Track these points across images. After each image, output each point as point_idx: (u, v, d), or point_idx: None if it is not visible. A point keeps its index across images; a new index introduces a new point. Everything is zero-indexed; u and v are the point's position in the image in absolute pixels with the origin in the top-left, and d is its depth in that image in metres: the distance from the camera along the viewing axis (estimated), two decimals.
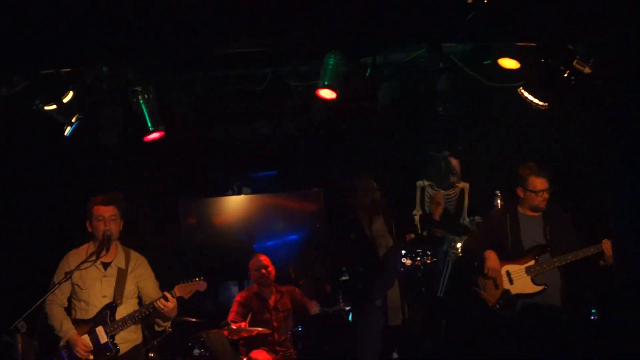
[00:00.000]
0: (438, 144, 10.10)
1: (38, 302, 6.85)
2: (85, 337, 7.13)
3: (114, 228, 7.31)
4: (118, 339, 7.23)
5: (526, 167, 8.03)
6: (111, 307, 7.24)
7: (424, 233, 9.81)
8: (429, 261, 8.75)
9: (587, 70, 7.57)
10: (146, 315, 7.35)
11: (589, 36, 7.53)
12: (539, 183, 7.91)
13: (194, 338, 8.73)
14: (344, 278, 9.49)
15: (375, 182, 9.48)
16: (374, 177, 9.53)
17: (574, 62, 7.60)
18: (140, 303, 7.45)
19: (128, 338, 7.31)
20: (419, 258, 8.69)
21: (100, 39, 7.43)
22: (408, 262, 8.66)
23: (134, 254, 7.51)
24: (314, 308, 9.30)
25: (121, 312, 7.26)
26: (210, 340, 8.71)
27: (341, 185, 10.43)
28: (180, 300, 7.30)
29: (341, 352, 8.70)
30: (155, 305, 7.18)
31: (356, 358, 8.64)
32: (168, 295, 7.21)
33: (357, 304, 9.06)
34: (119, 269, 7.35)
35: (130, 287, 7.36)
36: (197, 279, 7.43)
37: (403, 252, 8.70)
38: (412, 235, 9.20)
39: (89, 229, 7.35)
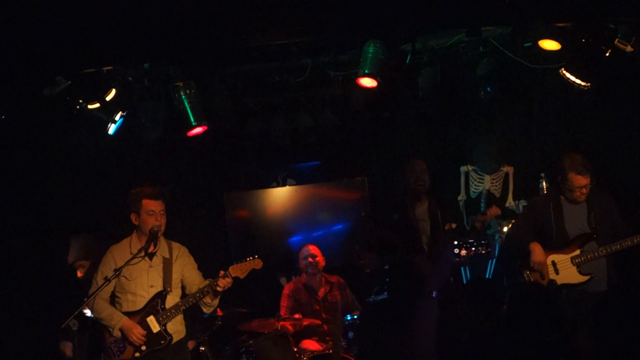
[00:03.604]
0: (480, 128, 10.05)
1: (88, 299, 6.87)
2: (141, 329, 7.09)
3: (163, 222, 7.28)
4: (168, 328, 7.23)
5: (567, 159, 7.76)
6: (162, 296, 7.21)
7: (467, 221, 9.77)
8: (484, 251, 8.66)
9: (629, 49, 7.49)
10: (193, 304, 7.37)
11: (629, 14, 7.45)
12: (578, 180, 7.68)
13: (244, 348, 8.72)
14: (386, 267, 9.46)
15: (425, 163, 9.38)
16: (424, 159, 9.44)
17: (616, 41, 7.52)
18: (182, 294, 7.44)
19: (175, 329, 7.28)
20: (473, 248, 8.62)
21: (140, 36, 7.48)
22: (463, 252, 8.59)
23: (175, 244, 7.47)
24: (354, 308, 9.27)
25: (169, 301, 7.26)
26: (258, 348, 8.72)
27: (386, 168, 10.43)
28: (237, 285, 7.26)
29: (393, 342, 8.69)
30: (213, 285, 7.13)
31: (411, 349, 8.61)
32: (224, 275, 7.17)
33: (413, 296, 9.02)
34: (164, 259, 7.31)
35: (176, 276, 7.33)
36: (251, 257, 7.38)
37: (455, 242, 8.62)
38: (454, 225, 9.12)
39: (135, 222, 7.27)
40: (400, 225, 9.32)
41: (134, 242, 7.32)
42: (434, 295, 8.85)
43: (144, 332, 7.08)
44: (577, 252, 7.79)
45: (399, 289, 9.15)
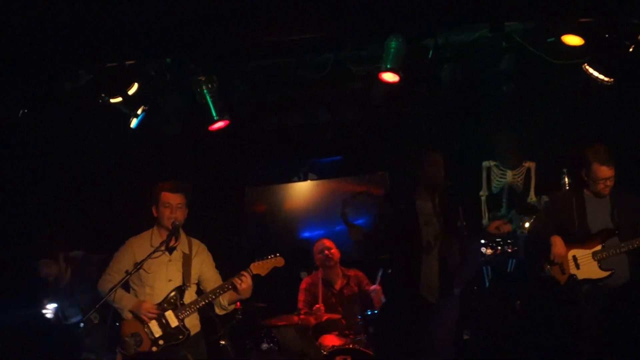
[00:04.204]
0: (502, 124, 10.02)
1: (109, 292, 6.91)
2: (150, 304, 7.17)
3: (180, 216, 7.30)
4: (186, 323, 7.25)
5: (591, 151, 7.72)
6: (181, 290, 7.26)
7: (487, 217, 9.75)
8: (510, 250, 8.64)
9: None
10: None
11: None
12: (602, 171, 7.65)
13: (265, 333, 8.73)
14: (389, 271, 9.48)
15: (442, 156, 9.34)
16: (441, 152, 9.40)
17: (639, 37, 7.47)
18: (198, 291, 7.46)
19: (192, 324, 7.32)
20: (499, 247, 8.59)
21: (162, 31, 7.50)
22: (489, 251, 8.57)
23: (195, 241, 7.52)
24: (378, 300, 9.25)
25: (187, 297, 7.29)
26: (281, 336, 8.73)
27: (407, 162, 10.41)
28: (256, 280, 7.28)
29: (413, 337, 8.67)
30: (234, 281, 7.16)
31: (429, 346, 8.58)
32: (245, 272, 7.21)
33: (437, 293, 8.99)
34: (184, 254, 7.36)
35: (194, 272, 7.38)
36: (272, 255, 7.40)
37: (482, 241, 8.60)
38: (465, 224, 9.06)
39: (155, 214, 7.36)
40: (405, 216, 9.29)
41: (154, 236, 7.37)
42: (455, 293, 8.84)
43: (155, 306, 7.15)
44: (599, 247, 7.76)
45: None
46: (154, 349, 7.11)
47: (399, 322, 8.73)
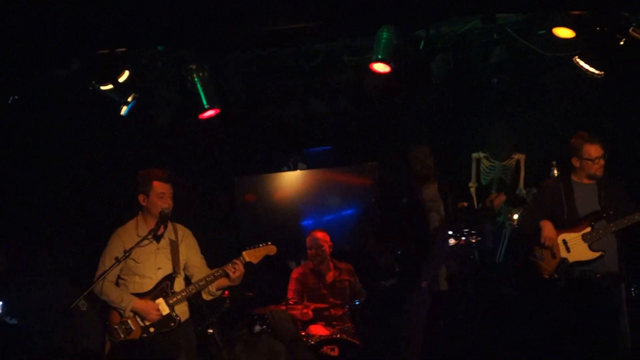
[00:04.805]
0: (492, 116, 10.04)
1: (97, 280, 6.89)
2: (154, 306, 7.14)
3: (170, 205, 7.27)
4: (176, 310, 7.25)
5: (578, 137, 7.81)
6: (171, 278, 7.24)
7: (479, 206, 9.77)
8: (473, 240, 8.68)
9: None
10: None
11: None
12: (594, 150, 7.72)
13: (258, 315, 8.73)
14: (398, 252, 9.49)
15: (429, 148, 9.38)
16: (429, 144, 9.43)
17: (630, 30, 7.49)
18: (185, 278, 7.45)
19: (181, 311, 7.32)
20: (463, 237, 8.62)
21: (154, 19, 7.48)
22: (452, 241, 8.61)
23: (179, 226, 7.50)
24: (361, 297, 9.27)
25: (177, 285, 7.28)
26: (273, 318, 8.73)
27: (397, 153, 10.42)
28: (248, 268, 7.28)
29: (397, 327, 8.71)
30: (226, 269, 7.16)
31: (403, 338, 8.63)
32: (237, 261, 7.21)
33: (406, 285, 9.04)
34: (171, 241, 7.34)
35: (182, 258, 7.37)
36: (264, 243, 7.43)
37: (450, 232, 8.63)
38: (465, 204, 9.10)
39: (142, 203, 7.29)
40: (410, 209, 9.33)
41: (140, 224, 7.35)
42: (424, 286, 8.88)
43: (158, 308, 7.14)
44: (588, 229, 7.81)
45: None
46: (144, 335, 7.10)
47: (385, 312, 8.82)
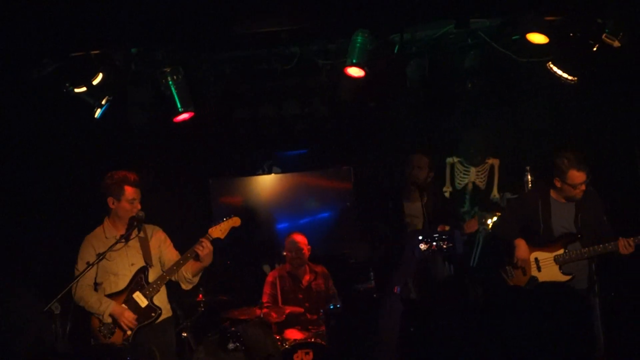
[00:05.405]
0: (467, 121, 10.07)
1: (71, 283, 6.91)
2: (132, 315, 7.20)
3: (139, 209, 7.37)
4: (155, 302, 7.32)
5: (565, 159, 7.72)
6: (144, 270, 7.34)
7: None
8: (445, 246, 8.68)
9: (616, 44, 7.49)
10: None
11: (617, 9, 7.47)
12: (579, 177, 7.67)
13: (230, 332, 8.70)
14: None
15: (428, 162, 9.31)
16: (428, 154, 9.40)
17: (603, 36, 7.53)
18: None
19: (162, 305, 7.40)
20: (435, 243, 8.63)
21: (128, 21, 7.47)
22: (423, 246, 8.61)
23: (148, 225, 7.55)
24: (335, 302, 9.23)
25: (152, 276, 7.36)
26: (247, 335, 8.71)
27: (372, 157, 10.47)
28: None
29: (372, 331, 8.70)
30: (195, 249, 7.23)
31: (376, 344, 8.62)
32: (204, 239, 7.29)
33: (380, 289, 9.03)
34: (140, 238, 7.42)
35: (154, 252, 7.44)
36: (227, 217, 7.58)
37: (420, 237, 8.64)
38: (446, 228, 9.08)
39: (111, 206, 7.35)
40: (392, 215, 9.33)
41: (107, 227, 7.42)
42: (397, 291, 8.87)
43: (135, 316, 7.19)
44: (561, 251, 7.85)
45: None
46: (129, 332, 7.18)
47: (361, 316, 8.81)
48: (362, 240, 10.11)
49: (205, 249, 7.25)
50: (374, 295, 8.94)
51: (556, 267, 7.84)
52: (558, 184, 7.82)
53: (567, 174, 7.71)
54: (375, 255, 9.47)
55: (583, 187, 7.74)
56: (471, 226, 9.49)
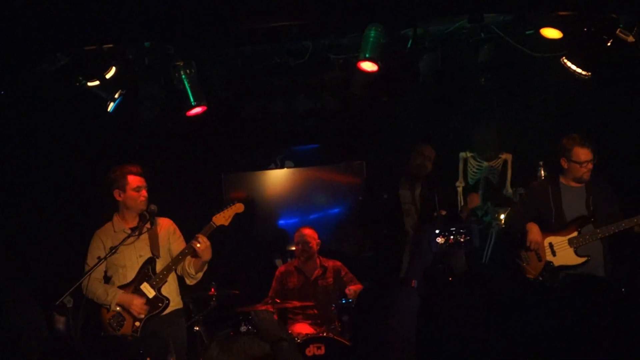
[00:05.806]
0: (479, 116, 10.04)
1: (84, 277, 6.91)
2: (141, 301, 7.21)
3: (147, 198, 7.37)
4: (163, 292, 7.32)
5: (570, 138, 7.85)
6: (151, 261, 7.32)
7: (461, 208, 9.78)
8: (462, 240, 8.66)
9: (630, 39, 7.46)
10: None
11: (632, 4, 7.43)
12: (583, 154, 7.75)
13: (242, 315, 8.71)
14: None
15: (433, 151, 9.31)
16: (432, 145, 9.38)
17: (617, 31, 7.50)
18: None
19: (171, 295, 7.38)
20: (452, 237, 8.61)
21: (141, 15, 7.47)
22: (441, 240, 8.59)
23: (158, 218, 7.53)
24: (352, 293, 9.19)
25: (159, 266, 7.35)
26: (258, 318, 8.70)
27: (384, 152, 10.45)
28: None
29: (386, 327, 8.67)
30: (192, 244, 7.18)
31: (391, 339, 8.59)
32: (200, 235, 7.22)
33: (395, 285, 9.01)
34: (148, 229, 7.39)
35: (163, 244, 7.42)
36: (231, 203, 7.50)
37: (437, 231, 8.63)
38: (443, 212, 9.07)
39: (118, 198, 7.34)
40: (388, 205, 9.32)
41: (116, 222, 7.43)
42: (414, 285, 8.85)
43: (144, 301, 7.19)
44: (575, 233, 7.84)
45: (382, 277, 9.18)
46: (137, 323, 7.19)
47: (373, 311, 8.78)
48: (367, 235, 10.12)
49: (201, 244, 7.19)
50: (387, 289, 8.91)
51: (571, 250, 7.83)
52: (565, 164, 7.88)
53: (572, 151, 7.78)
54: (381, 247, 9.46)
55: (590, 166, 7.77)
56: (472, 200, 9.51)
